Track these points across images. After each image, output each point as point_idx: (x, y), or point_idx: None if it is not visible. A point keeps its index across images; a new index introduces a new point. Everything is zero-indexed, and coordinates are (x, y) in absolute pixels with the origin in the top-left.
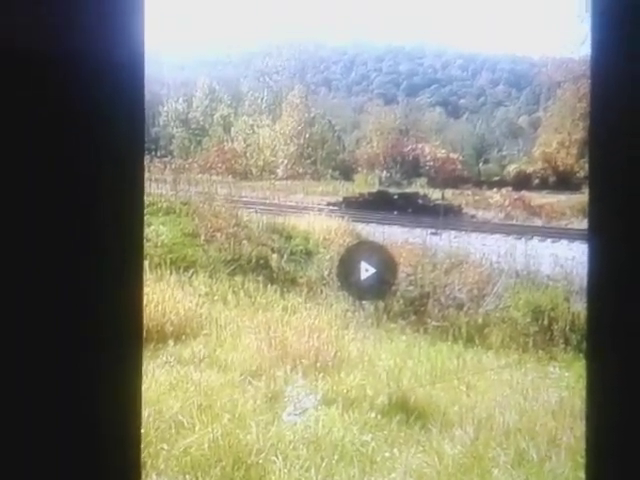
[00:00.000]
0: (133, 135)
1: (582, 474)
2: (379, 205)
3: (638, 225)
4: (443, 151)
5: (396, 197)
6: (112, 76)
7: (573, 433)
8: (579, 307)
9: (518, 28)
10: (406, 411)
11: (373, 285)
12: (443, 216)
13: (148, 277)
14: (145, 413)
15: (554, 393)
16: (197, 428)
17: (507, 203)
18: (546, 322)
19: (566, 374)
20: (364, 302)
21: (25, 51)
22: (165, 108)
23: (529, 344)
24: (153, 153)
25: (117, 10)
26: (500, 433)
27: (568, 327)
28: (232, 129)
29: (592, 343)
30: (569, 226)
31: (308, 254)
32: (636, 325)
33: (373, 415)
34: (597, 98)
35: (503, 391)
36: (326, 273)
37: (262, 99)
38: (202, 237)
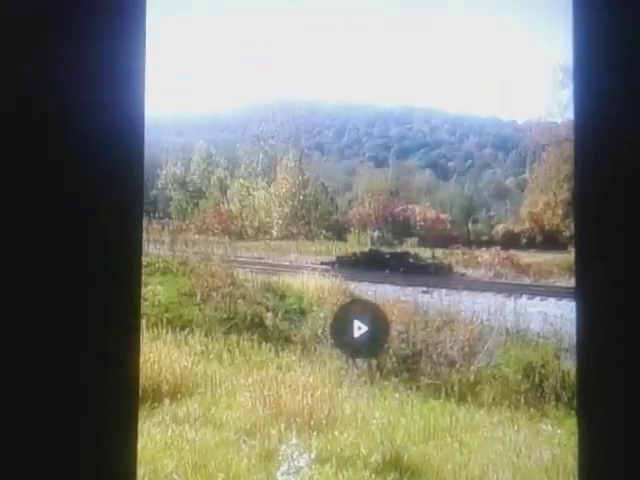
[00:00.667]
0: (132, 198)
1: None
2: (371, 264)
3: (623, 282)
4: (433, 212)
5: (388, 256)
6: (113, 141)
7: None
8: (569, 364)
9: (503, 93)
10: (400, 469)
11: (366, 343)
12: (434, 275)
13: (145, 336)
14: (140, 472)
15: (546, 450)
16: None
17: (496, 262)
18: (537, 379)
19: (558, 431)
20: (357, 360)
21: (29, 115)
22: (163, 172)
23: (521, 401)
24: (152, 215)
25: (119, 79)
26: None
27: (559, 384)
28: (228, 191)
29: (582, 400)
30: (557, 284)
31: (302, 312)
32: (625, 380)
33: (367, 474)
34: (581, 160)
35: (496, 448)
36: (320, 331)
37: (257, 162)
38: (198, 296)
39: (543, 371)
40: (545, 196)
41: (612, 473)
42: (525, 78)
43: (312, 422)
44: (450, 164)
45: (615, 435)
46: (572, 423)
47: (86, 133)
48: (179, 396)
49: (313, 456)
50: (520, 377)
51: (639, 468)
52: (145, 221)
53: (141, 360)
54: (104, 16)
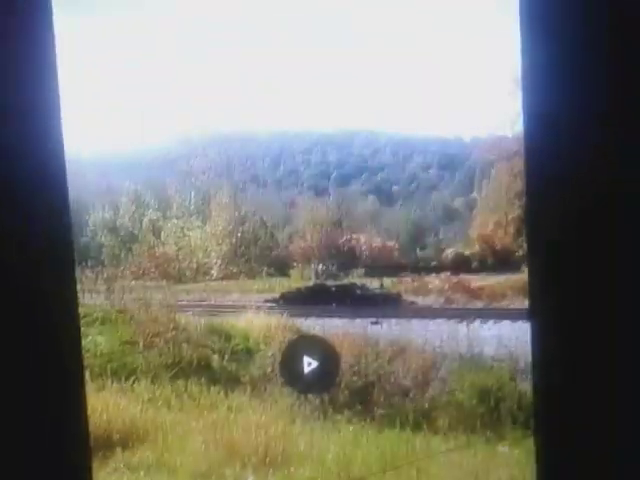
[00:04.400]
0: (62, 248)
1: None
2: (317, 298)
3: (578, 302)
4: (379, 240)
5: (334, 289)
6: (35, 187)
7: None
8: (525, 385)
9: (447, 109)
10: None
11: (317, 378)
12: (382, 305)
13: (90, 387)
14: None
15: (504, 471)
16: None
17: (446, 287)
18: (493, 402)
19: (515, 452)
20: (309, 395)
21: None
22: (92, 217)
23: (477, 425)
24: (83, 264)
25: (35, 123)
26: None
27: (515, 405)
28: (162, 233)
29: (539, 419)
30: (511, 306)
31: (249, 352)
32: (581, 400)
33: None
34: (532, 175)
35: (454, 474)
36: (269, 370)
37: (190, 201)
38: (141, 343)
39: (499, 394)
40: (496, 215)
41: None
42: (471, 92)
43: (267, 460)
44: (394, 188)
45: (572, 454)
46: (529, 443)
47: (5, 183)
48: (131, 444)
49: None
50: (475, 401)
51: None
52: (77, 270)
53: (89, 411)
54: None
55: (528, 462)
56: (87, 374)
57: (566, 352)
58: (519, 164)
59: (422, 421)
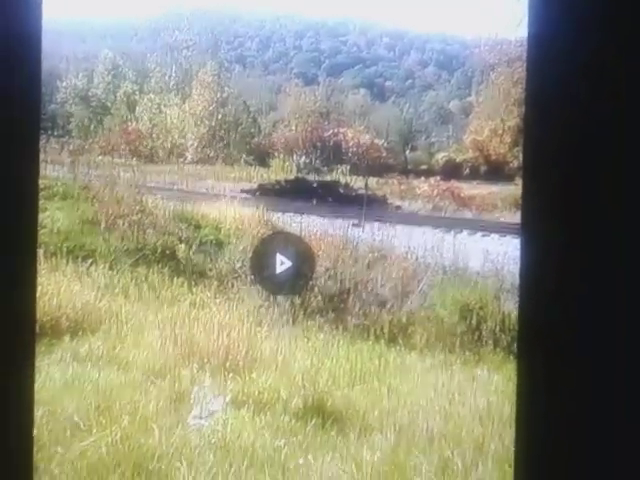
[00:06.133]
0: (28, 112)
1: None
2: (297, 193)
3: (573, 219)
4: (367, 137)
5: (315, 185)
6: (6, 47)
7: (501, 440)
8: (510, 306)
9: (450, 5)
10: (322, 415)
11: (289, 279)
12: (366, 206)
13: (42, 267)
14: (38, 413)
15: (482, 397)
16: (94, 431)
17: (435, 193)
18: (474, 321)
19: (495, 377)
20: (279, 297)
21: None
22: (64, 84)
23: (456, 345)
24: (50, 132)
25: None
26: (423, 439)
27: (498, 327)
28: (137, 108)
29: (523, 344)
30: (501, 219)
31: (219, 245)
32: (569, 325)
33: (287, 419)
34: (533, 82)
35: (427, 394)
36: (238, 266)
37: (170, 76)
38: (102, 224)
39: (481, 313)
40: (492, 122)
41: (551, 422)
42: None
43: (228, 363)
44: (388, 83)
45: (556, 383)
46: (510, 368)
47: None
48: (80, 333)
49: (228, 399)
50: (456, 319)
51: (579, 418)
52: (42, 139)
53: (38, 293)
54: None
55: (507, 389)
56: (40, 252)
57: (556, 274)
58: (520, 70)
59: (398, 335)
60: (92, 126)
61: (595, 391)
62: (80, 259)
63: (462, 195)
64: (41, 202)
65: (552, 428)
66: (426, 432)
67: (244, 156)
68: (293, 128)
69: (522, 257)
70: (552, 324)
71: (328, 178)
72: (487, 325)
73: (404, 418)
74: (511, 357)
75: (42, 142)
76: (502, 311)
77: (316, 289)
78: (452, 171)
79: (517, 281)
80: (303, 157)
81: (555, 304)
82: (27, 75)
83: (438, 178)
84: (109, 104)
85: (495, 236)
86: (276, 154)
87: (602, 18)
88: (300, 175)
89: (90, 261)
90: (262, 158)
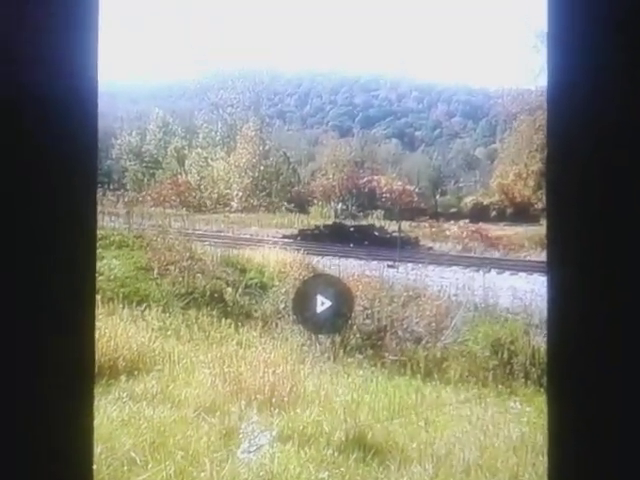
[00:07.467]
0: (86, 168)
1: None
2: (335, 237)
3: (596, 256)
4: (399, 183)
5: (352, 229)
6: (66, 109)
7: (535, 469)
8: (539, 340)
9: (474, 59)
10: (363, 447)
11: (329, 319)
12: (400, 248)
13: (100, 311)
14: (97, 450)
15: (515, 428)
16: (150, 466)
17: (464, 235)
18: (506, 356)
19: (527, 409)
20: (320, 336)
21: None
22: (118, 141)
23: (489, 378)
24: (106, 186)
25: (70, 44)
26: (460, 470)
27: (528, 361)
28: (186, 162)
29: (552, 377)
30: (527, 258)
31: (263, 287)
32: (596, 358)
33: (330, 452)
34: (554, 129)
35: (463, 427)
36: (281, 307)
37: (216, 132)
38: (155, 271)
39: (512, 347)
40: (516, 167)
41: (582, 452)
42: (497, 44)
43: (273, 399)
44: (417, 133)
45: (585, 413)
46: (541, 401)
47: (36, 100)
48: (136, 373)
49: (274, 434)
50: (488, 353)
51: (608, 447)
52: (99, 193)
53: (97, 336)
54: None
55: (539, 421)
56: (98, 298)
57: (582, 309)
58: (541, 118)
59: (433, 370)
60: (145, 179)
61: (623, 421)
62: (135, 303)
63: (490, 236)
64: (99, 251)
65: (582, 457)
66: (463, 463)
67: (285, 204)
68: (330, 177)
69: (549, 293)
70: (580, 357)
71: (364, 223)
72: (518, 359)
73: (441, 450)
74: (542, 390)
75: (99, 195)
76: (532, 345)
77: (355, 327)
78: (480, 214)
79: (545, 317)
80: (340, 204)
81: (582, 338)
82: (85, 134)
83: (467, 220)
84: (160, 159)
85: (522, 274)
86: (315, 201)
87: (619, 67)
88: (337, 220)
89: (144, 305)
90: (302, 205)
